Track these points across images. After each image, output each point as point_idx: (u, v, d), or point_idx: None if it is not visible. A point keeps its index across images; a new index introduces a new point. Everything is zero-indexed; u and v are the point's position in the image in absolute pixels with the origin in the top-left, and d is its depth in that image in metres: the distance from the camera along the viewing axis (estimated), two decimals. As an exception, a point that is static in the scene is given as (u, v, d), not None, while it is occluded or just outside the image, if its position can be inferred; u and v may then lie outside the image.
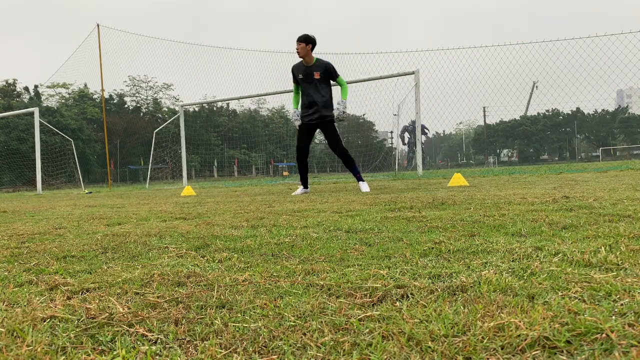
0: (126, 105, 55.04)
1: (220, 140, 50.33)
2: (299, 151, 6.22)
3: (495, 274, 1.28)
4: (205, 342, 0.92)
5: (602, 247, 1.53)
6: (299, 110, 6.19)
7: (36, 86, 49.22)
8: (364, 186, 6.05)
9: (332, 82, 6.17)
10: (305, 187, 6.31)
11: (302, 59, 6.09)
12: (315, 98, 6.02)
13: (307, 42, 5.98)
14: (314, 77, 6.01)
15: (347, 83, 6.61)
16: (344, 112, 5.96)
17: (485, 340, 0.84)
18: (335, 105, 6.06)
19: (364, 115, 55.53)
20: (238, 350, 0.88)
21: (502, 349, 0.82)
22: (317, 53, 6.16)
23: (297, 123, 6.16)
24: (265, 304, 1.13)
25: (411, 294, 1.15)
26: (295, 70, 6.19)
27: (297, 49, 5.97)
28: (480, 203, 3.26)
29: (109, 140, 37.27)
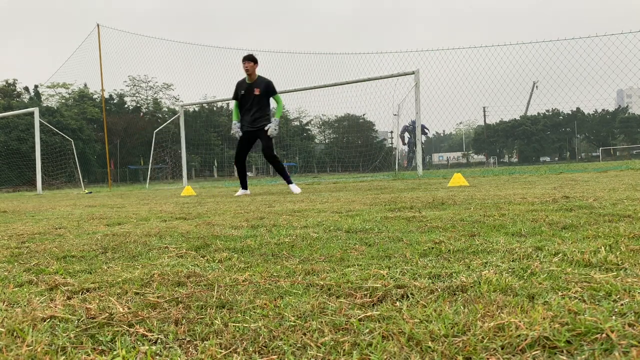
0: (126, 105, 55.03)
1: (220, 140, 50.33)
2: (238, 156, 6.91)
3: (495, 274, 1.28)
4: (205, 342, 0.92)
5: (602, 247, 1.53)
6: (238, 123, 6.85)
7: (36, 86, 49.24)
8: (294, 188, 6.66)
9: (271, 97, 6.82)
10: (245, 188, 6.98)
11: (246, 76, 6.72)
12: (254, 111, 6.69)
13: (254, 61, 6.66)
14: (254, 93, 6.66)
15: (347, 83, 6.80)
16: (275, 130, 6.63)
17: (485, 340, 0.84)
18: (270, 124, 6.67)
19: (364, 115, 55.57)
20: (238, 350, 0.88)
21: (502, 349, 0.82)
22: (318, 54, 6.20)
23: (238, 135, 6.79)
24: (265, 304, 1.13)
25: (411, 294, 1.15)
26: (238, 86, 6.86)
27: (246, 67, 6.60)
28: (480, 203, 3.26)
29: (109, 140, 37.27)
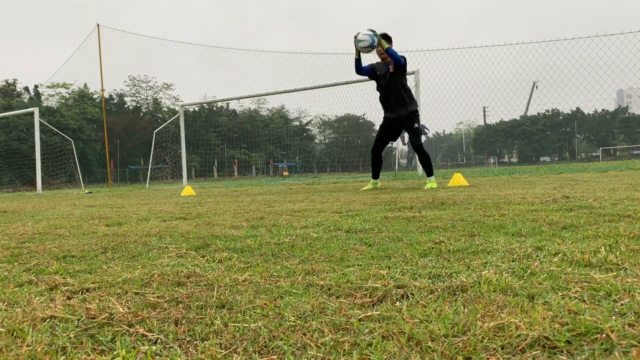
0: (126, 105, 55.04)
1: (220, 140, 50.33)
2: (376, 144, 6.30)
3: (495, 274, 1.28)
4: (205, 342, 0.92)
5: (602, 247, 1.53)
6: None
7: (36, 86, 49.25)
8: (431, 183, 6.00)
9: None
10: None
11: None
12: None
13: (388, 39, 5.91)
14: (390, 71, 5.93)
15: (347, 83, 6.69)
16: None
17: (485, 340, 0.84)
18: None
19: (364, 115, 55.58)
20: (238, 350, 0.88)
21: (502, 349, 0.82)
22: (316, 53, 6.17)
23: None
24: (265, 304, 1.13)
25: (411, 294, 1.15)
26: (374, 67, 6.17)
27: (379, 50, 5.89)
28: (480, 203, 3.26)
29: (109, 140, 37.28)
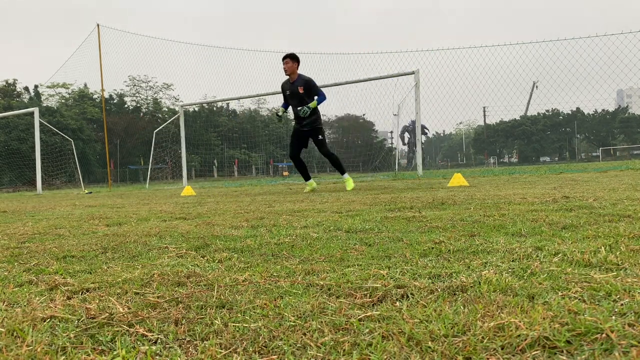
0: (126, 105, 55.01)
1: (220, 140, 50.31)
2: (292, 153, 7.09)
3: (495, 274, 1.28)
4: (205, 342, 0.92)
5: (602, 247, 1.53)
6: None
7: (36, 86, 49.24)
8: (348, 183, 6.78)
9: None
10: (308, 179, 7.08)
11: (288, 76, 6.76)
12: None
13: (295, 59, 6.67)
14: (299, 92, 6.68)
15: (347, 83, 6.94)
16: (305, 111, 6.61)
17: (485, 340, 0.84)
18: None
19: (364, 115, 55.54)
20: (238, 350, 0.88)
21: (502, 349, 0.82)
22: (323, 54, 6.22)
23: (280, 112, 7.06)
24: (265, 304, 1.13)
25: (411, 294, 1.15)
26: (282, 88, 6.94)
27: (284, 68, 6.63)
28: (480, 203, 3.26)
29: (109, 140, 37.26)
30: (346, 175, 6.92)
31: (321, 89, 6.88)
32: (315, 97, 6.71)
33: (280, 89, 7.03)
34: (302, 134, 6.85)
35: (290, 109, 6.94)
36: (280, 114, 7.05)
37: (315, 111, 6.78)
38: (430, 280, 1.27)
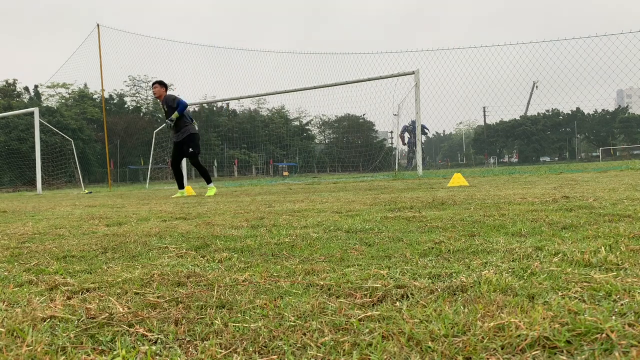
0: (126, 105, 55.01)
1: (220, 140, 50.31)
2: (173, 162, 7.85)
3: (495, 274, 1.28)
4: (205, 342, 0.92)
5: (602, 247, 1.53)
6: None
7: (36, 86, 49.23)
8: (211, 190, 7.50)
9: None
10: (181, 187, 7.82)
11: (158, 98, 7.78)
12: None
13: (162, 85, 7.68)
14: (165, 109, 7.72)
15: (347, 83, 7.01)
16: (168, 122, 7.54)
17: (485, 340, 0.84)
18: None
19: (364, 115, 55.56)
20: (238, 350, 0.88)
21: (502, 349, 0.82)
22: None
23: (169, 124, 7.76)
24: (265, 304, 1.13)
25: (411, 294, 1.15)
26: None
27: (153, 92, 7.68)
28: (480, 203, 3.26)
29: (109, 140, 37.28)
30: (211, 185, 7.68)
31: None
32: (175, 112, 7.45)
33: (279, 90, 7.22)
34: (178, 145, 7.62)
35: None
36: (171, 123, 7.66)
37: (183, 124, 7.53)
38: (430, 280, 1.27)
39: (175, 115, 7.37)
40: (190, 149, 7.51)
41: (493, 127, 74.01)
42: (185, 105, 7.55)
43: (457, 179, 6.40)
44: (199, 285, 1.34)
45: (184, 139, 7.52)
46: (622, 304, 0.99)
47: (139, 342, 0.93)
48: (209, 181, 7.73)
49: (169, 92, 7.82)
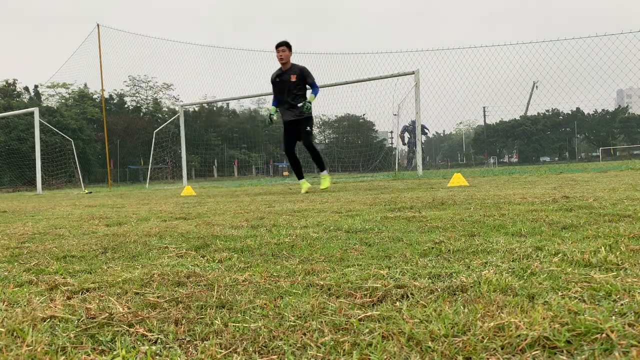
0: (126, 105, 55.02)
1: (220, 140, 50.30)
2: (286, 147, 6.89)
3: (495, 274, 1.28)
4: (205, 342, 0.92)
5: (602, 247, 1.53)
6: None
7: (36, 86, 49.25)
8: (325, 180, 6.69)
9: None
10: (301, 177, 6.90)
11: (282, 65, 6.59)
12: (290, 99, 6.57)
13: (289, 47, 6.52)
14: (291, 80, 6.53)
15: (347, 83, 6.88)
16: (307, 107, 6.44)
17: (485, 340, 0.84)
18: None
19: (364, 115, 55.50)
20: (238, 350, 0.88)
21: (502, 349, 0.82)
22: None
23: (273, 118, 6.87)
24: (265, 304, 1.13)
25: (411, 294, 1.15)
26: (273, 78, 6.75)
27: (280, 55, 6.47)
28: (480, 203, 3.26)
29: (109, 140, 37.24)
30: (325, 172, 6.82)
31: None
32: (310, 89, 6.56)
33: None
34: (294, 124, 6.61)
35: (278, 108, 6.79)
36: (273, 114, 6.83)
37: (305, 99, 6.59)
38: (430, 280, 1.27)
39: (312, 97, 6.45)
40: (308, 127, 6.58)
41: (493, 127, 74.01)
42: (318, 90, 6.61)
43: (457, 179, 6.40)
44: (199, 285, 1.34)
45: (304, 119, 6.52)
46: (622, 304, 0.99)
47: (139, 342, 0.93)
48: (323, 168, 6.82)
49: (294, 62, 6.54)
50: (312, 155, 6.71)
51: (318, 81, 6.81)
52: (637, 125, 66.77)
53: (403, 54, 27.73)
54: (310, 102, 6.40)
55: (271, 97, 6.97)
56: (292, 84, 6.46)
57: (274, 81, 6.67)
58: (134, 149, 50.37)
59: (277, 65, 6.64)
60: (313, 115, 6.69)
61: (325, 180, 6.71)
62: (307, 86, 6.56)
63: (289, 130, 6.68)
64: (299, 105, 6.45)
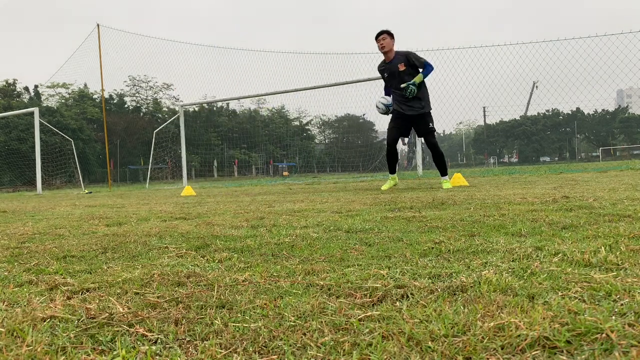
0: (126, 105, 55.03)
1: (220, 140, 50.33)
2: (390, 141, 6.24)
3: (495, 274, 1.28)
4: (205, 342, 0.92)
5: (602, 247, 1.53)
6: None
7: (36, 86, 49.24)
8: (446, 184, 5.91)
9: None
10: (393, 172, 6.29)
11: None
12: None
13: (391, 35, 5.93)
14: (399, 69, 5.90)
15: (347, 83, 6.67)
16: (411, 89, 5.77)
17: (485, 340, 0.84)
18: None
19: (364, 115, 55.60)
20: (238, 350, 0.88)
21: (502, 349, 0.82)
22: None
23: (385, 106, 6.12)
24: (265, 304, 1.13)
25: (411, 294, 1.15)
26: (381, 72, 6.16)
27: (381, 44, 5.89)
28: (480, 203, 3.26)
29: (109, 140, 37.25)
30: (446, 178, 6.02)
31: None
32: (421, 70, 5.83)
33: (279, 90, 6.74)
34: (406, 118, 5.90)
35: (391, 96, 6.09)
36: (390, 105, 6.03)
37: (423, 90, 5.89)
38: (430, 280, 1.27)
39: (419, 77, 5.72)
40: (431, 125, 5.88)
41: (493, 127, 74.02)
42: (432, 68, 5.83)
43: (457, 179, 6.40)
44: (199, 285, 1.34)
45: (423, 114, 5.85)
46: (622, 304, 0.99)
47: (139, 342, 0.93)
48: (445, 172, 6.01)
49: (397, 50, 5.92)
50: (435, 156, 6.04)
51: (319, 81, 6.77)
52: (637, 125, 66.77)
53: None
54: (414, 84, 5.70)
55: (271, 97, 6.96)
56: (402, 73, 5.84)
57: (383, 76, 6.11)
58: (134, 149, 50.39)
59: (277, 67, 6.59)
60: (430, 110, 5.97)
61: (447, 183, 5.94)
62: (420, 70, 5.89)
63: (399, 124, 6.04)
64: (402, 87, 5.77)
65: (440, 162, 6.05)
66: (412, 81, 5.74)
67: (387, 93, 6.21)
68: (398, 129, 6.12)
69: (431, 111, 6.01)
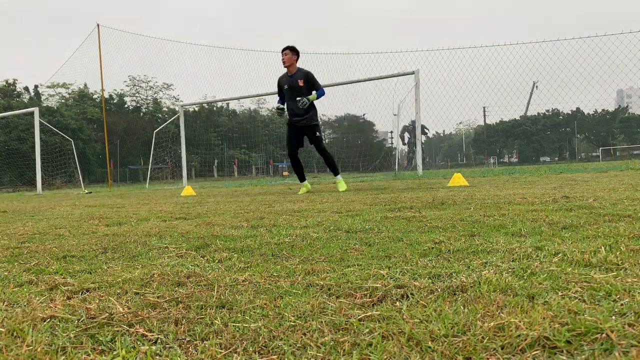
0: (126, 105, 55.03)
1: (220, 140, 50.33)
2: (290, 150, 6.87)
3: (495, 274, 1.28)
4: (205, 342, 0.92)
5: (602, 247, 1.53)
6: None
7: (36, 86, 49.27)
8: (340, 185, 6.63)
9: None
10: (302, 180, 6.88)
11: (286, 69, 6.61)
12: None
13: (294, 51, 6.55)
14: (299, 85, 6.55)
15: (347, 83, 6.92)
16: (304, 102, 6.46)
17: (485, 340, 0.84)
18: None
19: (364, 115, 55.57)
20: (238, 350, 0.88)
21: (502, 349, 0.82)
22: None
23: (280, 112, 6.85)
24: (265, 304, 1.13)
25: (411, 294, 1.15)
26: (280, 83, 6.77)
27: (283, 59, 6.51)
28: (480, 203, 3.26)
29: (109, 140, 37.22)
30: (339, 177, 6.81)
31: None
32: (314, 92, 6.54)
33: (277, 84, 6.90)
34: (299, 129, 6.68)
35: (286, 105, 6.76)
36: (282, 107, 6.78)
37: (312, 106, 6.64)
38: (430, 280, 1.27)
39: (313, 96, 6.45)
40: (317, 134, 6.66)
41: (493, 127, 74.03)
42: (324, 93, 6.66)
43: (457, 179, 6.40)
44: (199, 285, 1.34)
45: (311, 125, 6.62)
46: (622, 304, 0.99)
47: (139, 342, 0.93)
48: (336, 172, 6.85)
49: (299, 66, 6.61)
50: (326, 160, 6.76)
51: (319, 81, 6.83)
52: (637, 125, 66.78)
53: (403, 54, 27.69)
54: (308, 99, 6.41)
55: (271, 97, 7.11)
56: (300, 89, 6.52)
57: (282, 86, 6.72)
58: (134, 149, 50.39)
59: (277, 67, 6.76)
60: (319, 121, 6.76)
61: (342, 183, 6.70)
62: (314, 91, 6.61)
63: (294, 134, 6.71)
64: (297, 98, 6.46)
65: (330, 164, 6.80)
66: (308, 97, 6.45)
67: (281, 102, 6.85)
68: (295, 140, 6.78)
69: (319, 123, 6.83)
